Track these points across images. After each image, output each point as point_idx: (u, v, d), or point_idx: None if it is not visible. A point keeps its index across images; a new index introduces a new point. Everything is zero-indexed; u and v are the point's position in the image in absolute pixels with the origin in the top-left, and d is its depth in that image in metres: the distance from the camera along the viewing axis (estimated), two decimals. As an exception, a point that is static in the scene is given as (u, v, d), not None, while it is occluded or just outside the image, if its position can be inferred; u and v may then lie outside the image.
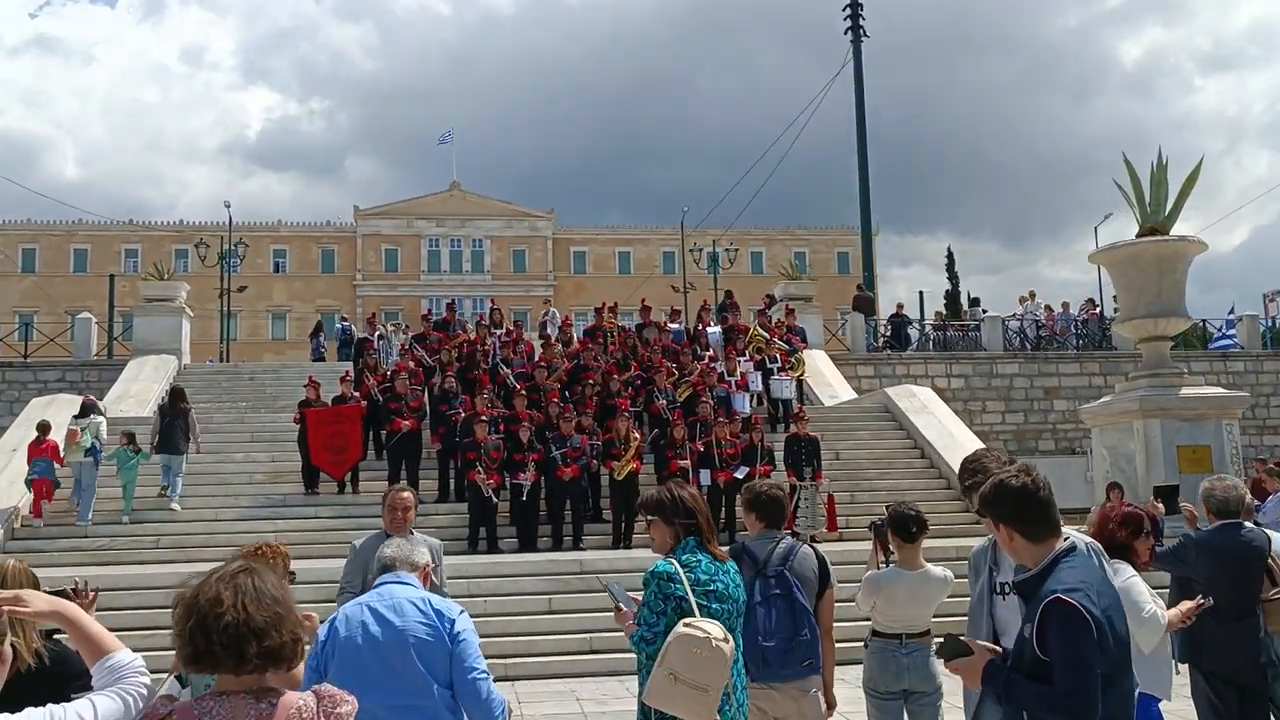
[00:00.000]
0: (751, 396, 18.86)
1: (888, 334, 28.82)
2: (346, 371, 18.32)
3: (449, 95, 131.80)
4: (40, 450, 16.09)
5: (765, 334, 20.08)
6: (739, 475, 16.41)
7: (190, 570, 4.81)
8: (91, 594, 4.16)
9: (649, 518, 4.86)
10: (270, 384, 23.94)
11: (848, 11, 31.34)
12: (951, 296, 73.18)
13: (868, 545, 15.82)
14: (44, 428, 16.42)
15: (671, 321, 21.43)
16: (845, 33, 31.33)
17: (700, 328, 20.56)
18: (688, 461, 16.28)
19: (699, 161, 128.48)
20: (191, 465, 17.85)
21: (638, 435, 16.82)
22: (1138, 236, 14.53)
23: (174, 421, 16.83)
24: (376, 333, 21.17)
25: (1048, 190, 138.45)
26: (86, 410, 16.87)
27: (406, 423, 16.89)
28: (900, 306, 29.43)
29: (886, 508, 6.02)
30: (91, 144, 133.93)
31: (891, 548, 5.93)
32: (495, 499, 15.86)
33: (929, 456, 19.15)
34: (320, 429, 17.01)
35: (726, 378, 18.69)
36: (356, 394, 17.56)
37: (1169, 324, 14.41)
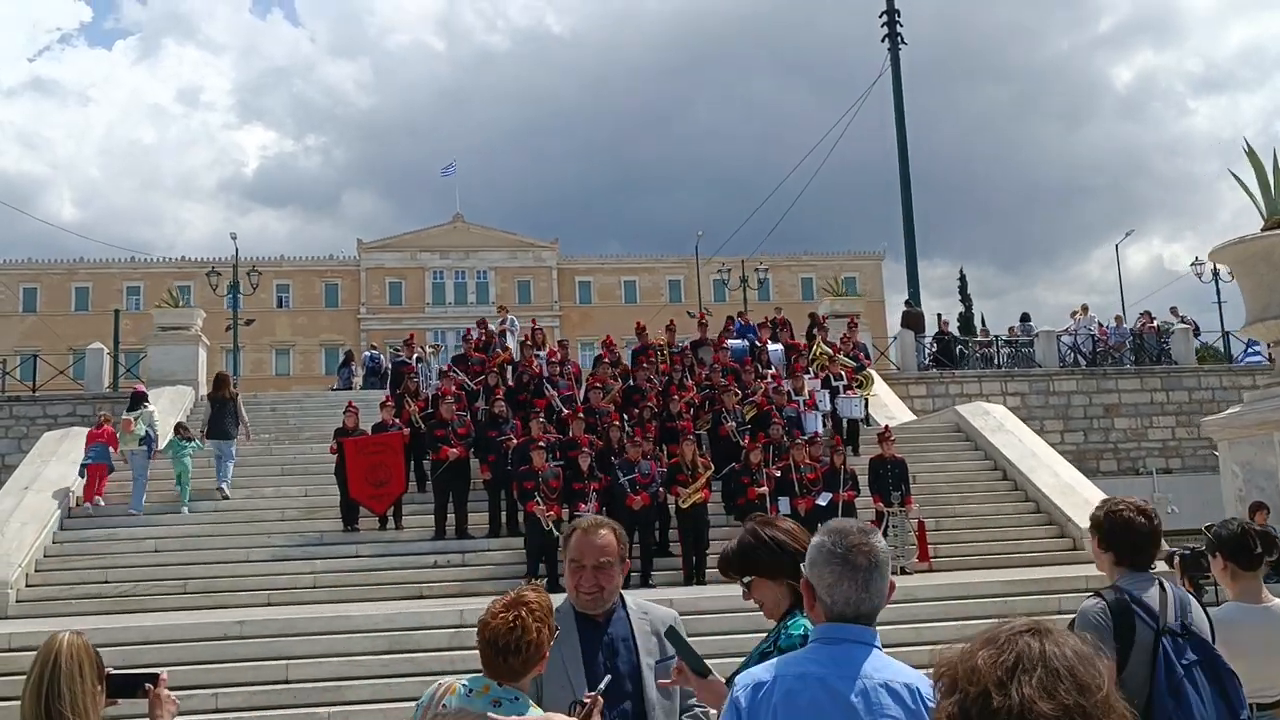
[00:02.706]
0: (820, 416, 17.46)
1: (934, 351, 27.45)
2: (387, 396, 16.90)
3: (445, 130, 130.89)
4: (99, 435, 16.31)
5: (829, 350, 18.70)
6: (821, 502, 15.06)
7: (231, 619, 3.44)
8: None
9: (745, 579, 3.40)
10: (293, 415, 22.55)
11: (884, 19, 30.22)
12: (965, 319, 72.07)
13: (960, 578, 13.91)
14: (105, 418, 17.00)
15: (730, 337, 19.94)
16: (882, 40, 30.17)
17: (761, 343, 19.13)
18: (765, 488, 14.88)
19: (698, 191, 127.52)
20: (219, 503, 16.53)
21: (701, 460, 15.39)
22: (1264, 230, 13.23)
23: (223, 407, 16.96)
24: (415, 355, 19.72)
25: (1042, 215, 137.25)
26: (137, 401, 16.94)
27: (454, 450, 15.49)
28: (945, 324, 28.07)
29: (1206, 528, 4.56)
30: (89, 184, 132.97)
31: (1208, 584, 4.51)
32: (556, 532, 14.47)
33: (1012, 478, 17.75)
34: (360, 459, 15.59)
35: (794, 397, 17.30)
36: (398, 421, 16.16)
37: (1306, 324, 13.08)
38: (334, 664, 10.87)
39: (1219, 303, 37.17)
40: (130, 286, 74.85)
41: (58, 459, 16.90)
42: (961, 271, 78.25)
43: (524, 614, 3.18)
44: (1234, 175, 13.76)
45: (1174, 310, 28.73)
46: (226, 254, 51.65)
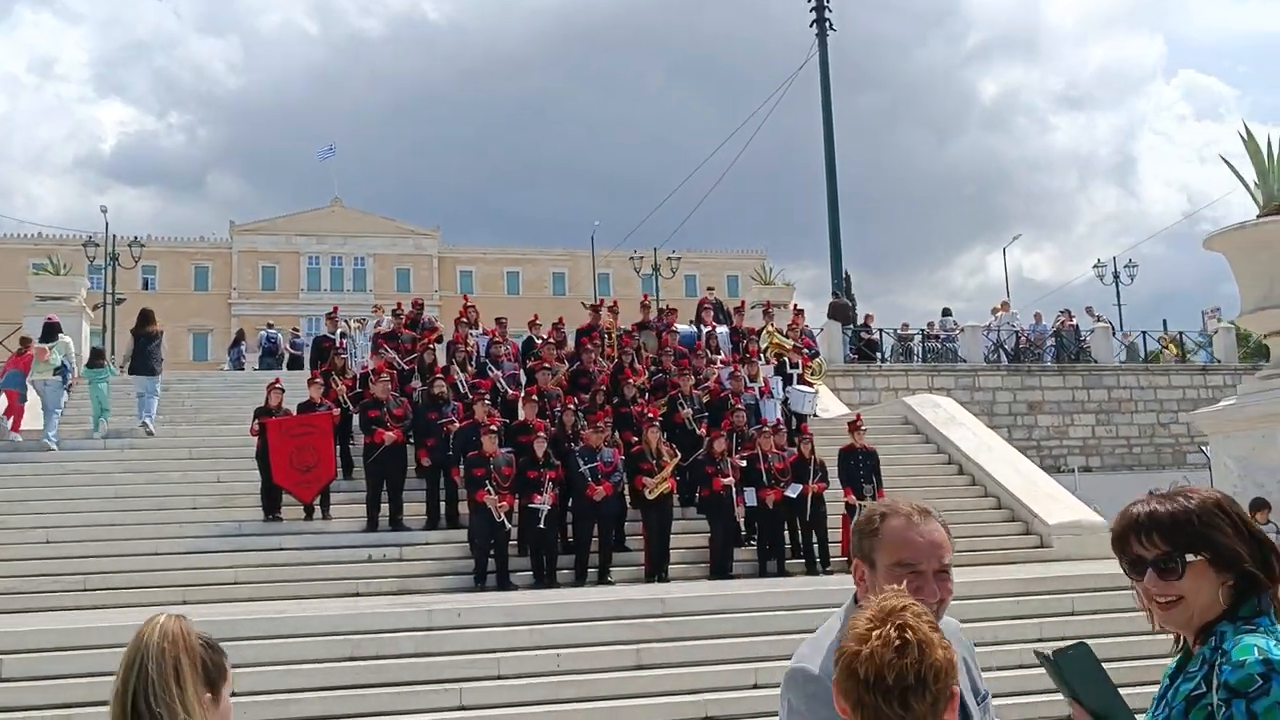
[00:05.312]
0: (777, 404, 16.55)
1: (858, 345, 26.86)
2: (315, 372, 15.39)
3: (317, 114, 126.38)
4: (17, 362, 15.94)
5: (784, 336, 17.79)
6: (791, 494, 14.13)
7: (136, 623, 2.35)
8: None
9: (1189, 557, 2.15)
10: (189, 396, 20.71)
11: (813, 3, 29.53)
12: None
13: (964, 576, 12.88)
14: (26, 341, 16.31)
15: (680, 324, 18.83)
16: (810, 25, 29.49)
17: (709, 328, 18.09)
18: (730, 478, 13.87)
19: (577, 186, 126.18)
20: (120, 488, 14.77)
21: (667, 448, 14.31)
22: (1259, 217, 12.77)
23: (148, 343, 16.43)
24: (339, 330, 18.16)
25: (910, 222, 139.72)
26: (51, 331, 16.31)
27: (391, 434, 14.10)
28: (870, 317, 27.52)
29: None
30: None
31: None
32: (508, 524, 13.24)
33: (969, 473, 17.13)
34: (285, 442, 14.07)
35: (750, 384, 16.35)
36: (326, 401, 14.69)
37: (1305, 315, 12.64)
38: (279, 673, 9.42)
39: (1119, 305, 37.82)
40: (-21, 263, 70.27)
41: (-73, 437, 14.96)
42: (846, 273, 78.68)
43: (910, 621, 1.86)
44: (1225, 161, 13.28)
45: (1090, 310, 28.79)
46: (85, 231, 48.42)
